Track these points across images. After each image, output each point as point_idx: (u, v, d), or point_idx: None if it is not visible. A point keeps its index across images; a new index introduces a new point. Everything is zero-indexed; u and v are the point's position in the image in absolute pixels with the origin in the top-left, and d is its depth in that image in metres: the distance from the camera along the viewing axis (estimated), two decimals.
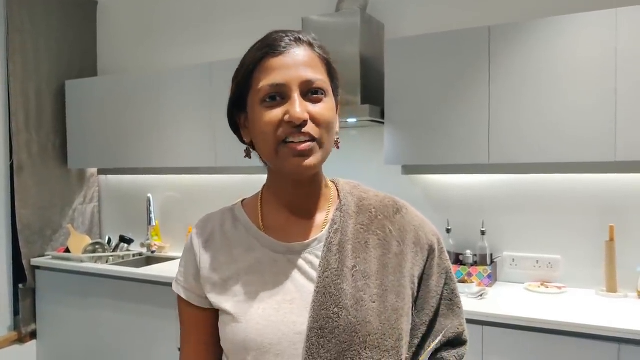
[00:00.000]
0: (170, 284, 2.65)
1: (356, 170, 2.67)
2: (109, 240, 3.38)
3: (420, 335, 0.81)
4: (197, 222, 0.87)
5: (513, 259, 2.42)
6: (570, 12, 2.09)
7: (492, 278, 2.35)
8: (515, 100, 2.13)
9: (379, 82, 2.49)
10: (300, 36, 0.77)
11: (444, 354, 0.83)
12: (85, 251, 3.11)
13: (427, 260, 0.83)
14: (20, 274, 3.20)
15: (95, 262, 3.06)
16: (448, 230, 2.46)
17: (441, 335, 0.82)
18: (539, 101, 2.09)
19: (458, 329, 0.84)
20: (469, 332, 0.87)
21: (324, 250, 0.78)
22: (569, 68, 2.04)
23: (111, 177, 3.65)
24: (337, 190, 0.86)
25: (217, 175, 3.11)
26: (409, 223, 0.84)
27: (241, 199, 0.90)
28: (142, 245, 3.34)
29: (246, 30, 3.07)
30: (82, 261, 3.03)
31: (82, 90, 3.33)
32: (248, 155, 0.85)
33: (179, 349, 0.88)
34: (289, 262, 0.79)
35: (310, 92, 0.74)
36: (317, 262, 0.78)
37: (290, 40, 0.76)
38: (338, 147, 0.82)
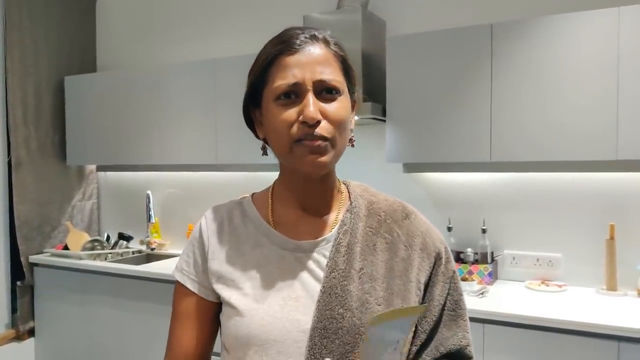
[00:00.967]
0: (170, 282, 2.66)
1: (357, 168, 2.66)
2: (108, 238, 3.37)
3: (419, 342, 0.79)
4: (206, 212, 0.87)
5: (514, 257, 2.42)
6: (572, 10, 2.09)
7: (493, 276, 2.35)
8: (517, 99, 2.13)
9: (380, 80, 2.48)
10: (316, 33, 0.77)
11: None
12: (84, 248, 3.10)
13: (433, 267, 0.82)
14: (18, 271, 3.18)
15: (94, 259, 3.05)
16: (449, 229, 2.46)
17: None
18: (541, 99, 2.09)
19: (461, 341, 0.81)
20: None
21: (332, 251, 0.78)
22: (571, 66, 2.04)
23: (110, 174, 3.64)
24: (348, 191, 0.86)
25: (218, 172, 3.10)
26: (416, 228, 0.84)
27: (250, 193, 0.89)
28: (142, 242, 3.33)
29: (248, 27, 3.06)
30: (80, 258, 3.02)
31: (81, 86, 3.32)
32: (264, 151, 0.84)
33: (166, 349, 0.84)
34: (296, 259, 0.79)
35: (325, 90, 0.74)
36: (324, 261, 0.78)
37: (305, 37, 0.76)
38: (353, 145, 0.82)
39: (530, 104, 2.11)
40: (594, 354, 1.79)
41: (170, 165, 3.10)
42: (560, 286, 2.24)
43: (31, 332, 3.22)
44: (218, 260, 0.81)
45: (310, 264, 0.78)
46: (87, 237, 3.20)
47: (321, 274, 0.77)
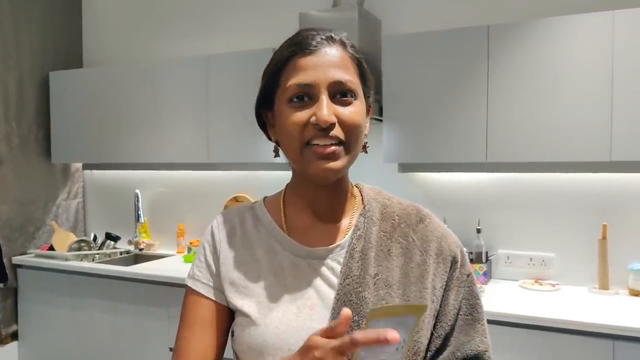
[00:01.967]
0: (160, 283, 2.62)
1: (353, 167, 2.64)
2: (95, 238, 3.29)
3: (434, 348, 0.77)
4: (217, 216, 0.85)
5: (508, 257, 2.45)
6: (568, 13, 2.11)
7: (488, 275, 2.37)
8: (513, 100, 2.15)
9: (376, 79, 2.46)
10: (332, 35, 0.75)
11: None
12: (71, 249, 3.02)
13: (448, 272, 0.80)
14: (0, 273, 3.08)
15: (81, 260, 2.97)
16: None
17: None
18: (537, 101, 2.11)
19: (479, 346, 0.79)
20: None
21: (345, 257, 0.77)
22: (566, 68, 2.06)
23: (97, 172, 3.55)
24: (362, 195, 0.84)
25: (209, 171, 3.05)
26: (431, 233, 0.82)
27: (262, 197, 0.88)
28: (130, 242, 3.26)
29: (244, 24, 3.01)
30: (67, 259, 2.94)
31: (67, 82, 3.23)
32: (276, 154, 0.82)
33: (171, 349, 0.83)
34: (310, 267, 0.77)
35: (340, 93, 0.72)
36: (338, 268, 0.77)
37: (321, 39, 0.74)
38: (366, 152, 0.80)
39: (526, 105, 2.13)
40: (590, 352, 1.81)
41: (160, 163, 3.04)
42: (553, 285, 2.27)
43: (14, 336, 3.12)
44: (230, 266, 0.80)
45: (325, 271, 0.77)
46: (73, 238, 3.12)
47: (335, 280, 0.76)
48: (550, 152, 2.10)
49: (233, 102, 2.70)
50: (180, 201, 3.24)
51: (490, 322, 2.16)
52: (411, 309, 0.66)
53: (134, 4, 3.40)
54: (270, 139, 0.82)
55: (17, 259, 3.06)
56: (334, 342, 0.57)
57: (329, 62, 0.72)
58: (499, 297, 2.15)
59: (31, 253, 3.12)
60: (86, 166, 3.52)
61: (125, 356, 2.75)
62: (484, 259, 2.39)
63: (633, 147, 1.96)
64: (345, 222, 0.81)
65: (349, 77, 0.73)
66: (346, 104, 0.72)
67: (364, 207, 0.82)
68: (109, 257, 3.11)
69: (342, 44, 0.75)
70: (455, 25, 2.43)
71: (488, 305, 2.01)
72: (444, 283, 0.79)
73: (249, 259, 0.79)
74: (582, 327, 1.82)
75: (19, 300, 3.10)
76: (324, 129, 0.70)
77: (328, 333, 0.59)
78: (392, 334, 0.53)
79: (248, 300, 0.77)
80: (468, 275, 0.82)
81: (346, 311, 0.58)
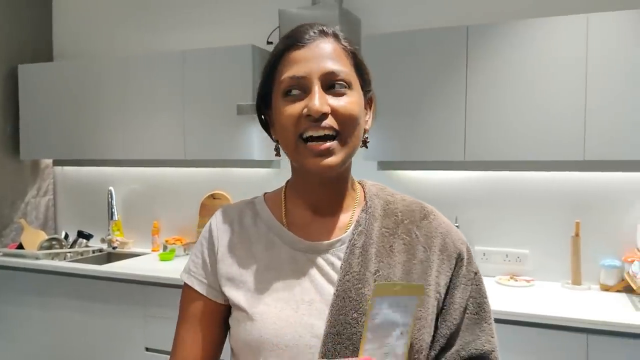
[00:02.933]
0: (134, 281, 2.57)
1: None
2: (66, 236, 3.19)
3: (439, 347, 0.76)
4: (215, 212, 0.85)
5: (484, 253, 2.49)
6: (545, 16, 2.16)
7: None
8: (490, 99, 2.18)
9: None
10: (325, 28, 0.75)
11: None
12: (41, 247, 2.93)
13: (453, 269, 0.79)
14: None
15: (52, 258, 2.88)
16: None
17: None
18: (513, 101, 2.15)
19: (484, 346, 0.77)
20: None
21: (346, 252, 0.76)
22: (542, 69, 2.11)
23: (68, 169, 3.44)
24: (364, 191, 0.84)
25: (185, 168, 3.00)
26: (435, 229, 0.81)
27: (262, 193, 0.87)
28: (103, 240, 3.17)
29: (221, 19, 2.96)
30: (37, 258, 2.84)
31: (37, 75, 3.12)
32: (277, 152, 0.81)
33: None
34: (309, 261, 0.76)
35: (334, 85, 0.72)
36: (338, 263, 0.76)
37: (314, 32, 0.74)
38: (366, 147, 0.80)
39: (503, 105, 2.16)
40: (565, 346, 1.86)
41: (134, 160, 2.97)
42: (528, 281, 2.32)
43: None
44: (228, 262, 0.78)
45: (324, 265, 0.76)
46: (44, 236, 3.02)
47: (335, 276, 0.75)
48: (526, 151, 2.14)
49: (210, 98, 2.66)
50: (155, 198, 3.17)
51: None
52: (411, 289, 0.68)
53: None
54: (272, 138, 0.81)
55: None
56: None
57: (322, 54, 0.72)
58: None
59: None
60: (57, 162, 3.41)
61: (100, 357, 2.68)
62: None
63: (606, 147, 2.02)
64: (345, 218, 0.80)
65: (342, 67, 0.73)
66: (340, 94, 0.72)
67: (365, 203, 0.81)
68: (82, 255, 3.02)
69: (336, 36, 0.75)
70: (434, 25, 2.45)
71: None
72: (449, 280, 0.78)
73: (247, 253, 0.78)
74: (557, 321, 1.87)
75: None
76: (317, 120, 0.69)
77: None
78: None
79: (245, 294, 0.75)
80: (475, 274, 0.81)
81: None
